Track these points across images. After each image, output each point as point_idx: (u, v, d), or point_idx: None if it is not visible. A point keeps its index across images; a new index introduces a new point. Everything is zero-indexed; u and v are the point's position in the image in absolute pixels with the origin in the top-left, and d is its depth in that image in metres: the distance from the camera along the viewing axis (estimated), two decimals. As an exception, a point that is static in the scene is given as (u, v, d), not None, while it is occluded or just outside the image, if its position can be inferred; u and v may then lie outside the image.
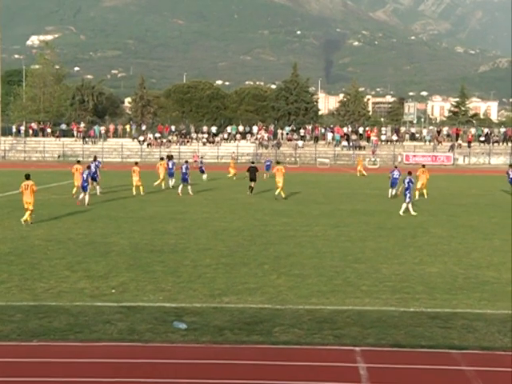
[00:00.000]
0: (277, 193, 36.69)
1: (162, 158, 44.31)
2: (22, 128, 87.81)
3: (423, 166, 41.08)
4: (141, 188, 38.31)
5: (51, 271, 16.62)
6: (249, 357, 10.35)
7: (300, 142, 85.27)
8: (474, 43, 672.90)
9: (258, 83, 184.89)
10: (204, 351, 10.61)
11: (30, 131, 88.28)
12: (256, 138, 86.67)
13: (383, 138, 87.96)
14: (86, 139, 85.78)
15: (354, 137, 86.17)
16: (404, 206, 29.49)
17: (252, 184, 39.14)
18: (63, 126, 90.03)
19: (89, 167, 34.95)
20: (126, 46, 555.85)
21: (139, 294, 14.24)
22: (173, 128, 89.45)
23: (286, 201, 35.16)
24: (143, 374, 9.60)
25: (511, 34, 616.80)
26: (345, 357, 10.43)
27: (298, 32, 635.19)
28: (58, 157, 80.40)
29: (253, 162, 44.00)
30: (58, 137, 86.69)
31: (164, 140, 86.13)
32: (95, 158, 41.83)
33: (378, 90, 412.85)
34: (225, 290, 14.75)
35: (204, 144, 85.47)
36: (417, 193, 36.81)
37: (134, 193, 38.05)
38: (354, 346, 10.89)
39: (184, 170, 38.89)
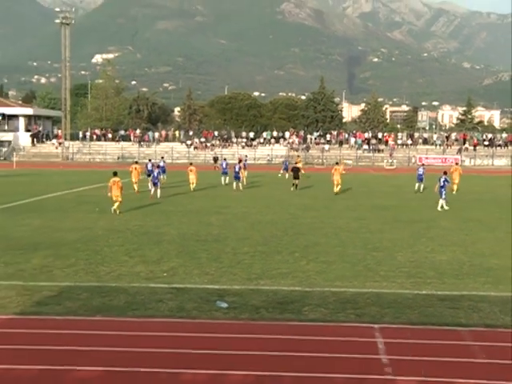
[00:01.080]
0: (337, 190, 36.58)
1: (136, 162, 40.01)
2: (88, 134, 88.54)
3: (456, 163, 40.95)
4: (193, 185, 38.23)
5: (112, 257, 16.78)
6: (281, 332, 10.36)
7: (326, 146, 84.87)
8: (479, 59, 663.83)
9: (289, 94, 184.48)
10: (243, 327, 10.64)
11: (94, 136, 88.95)
12: (288, 143, 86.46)
13: (399, 142, 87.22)
14: (141, 143, 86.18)
15: (373, 141, 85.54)
16: (440, 202, 29.04)
17: (296, 182, 39.19)
18: (122, 132, 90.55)
19: (158, 166, 35.72)
20: (175, 63, 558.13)
21: (187, 277, 14.32)
22: (216, 133, 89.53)
23: (315, 197, 35.00)
24: (190, 345, 9.66)
25: (511, 52, 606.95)
26: (365, 333, 10.40)
27: (325, 50, 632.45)
28: (118, 158, 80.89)
29: (296, 163, 43.98)
30: (117, 141, 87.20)
31: (208, 144, 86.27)
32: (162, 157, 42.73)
33: (394, 100, 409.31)
34: (261, 274, 14.76)
35: (243, 147, 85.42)
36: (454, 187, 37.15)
37: (192, 189, 37.85)
38: (373, 324, 10.85)
39: (237, 169, 39.18)
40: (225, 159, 47.24)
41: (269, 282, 13.92)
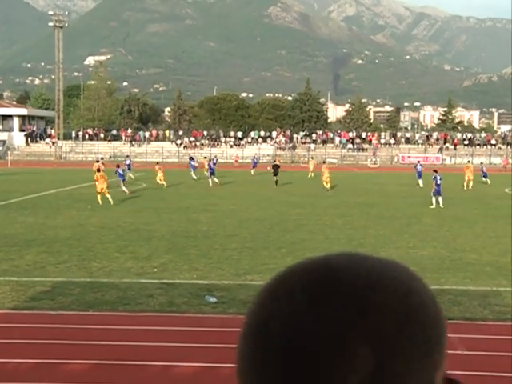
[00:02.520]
0: (328, 186, 37.31)
1: (97, 161, 39.51)
2: (80, 133, 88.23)
3: (468, 161, 41.59)
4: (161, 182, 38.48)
5: (103, 253, 16.72)
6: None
7: (312, 145, 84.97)
8: (459, 62, 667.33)
9: (276, 95, 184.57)
10: (231, 321, 10.63)
11: (87, 136, 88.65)
12: (275, 142, 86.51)
13: (382, 141, 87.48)
14: (133, 142, 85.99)
15: (357, 140, 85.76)
16: (435, 199, 29.04)
17: (276, 178, 39.87)
18: (114, 132, 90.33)
19: (118, 166, 36.28)
20: (166, 65, 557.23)
21: (176, 273, 14.29)
22: (205, 133, 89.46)
23: (301, 194, 35.01)
24: (180, 339, 9.64)
25: (489, 55, 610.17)
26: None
27: (311, 52, 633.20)
28: (110, 157, 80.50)
29: (275, 161, 44.36)
30: (109, 140, 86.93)
31: (198, 143, 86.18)
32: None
33: (378, 101, 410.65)
34: (248, 269, 14.76)
35: (231, 146, 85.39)
36: (465, 184, 39.45)
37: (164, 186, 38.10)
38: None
39: (212, 166, 40.70)
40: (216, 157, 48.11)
41: (256, 277, 13.91)
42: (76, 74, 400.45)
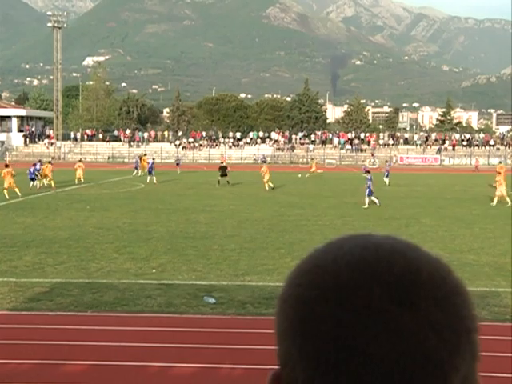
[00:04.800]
0: (272, 185, 37.97)
1: (49, 162, 40.55)
2: (79, 134, 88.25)
3: (500, 162, 41.15)
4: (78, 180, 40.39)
5: (102, 254, 16.71)
6: (267, 327, 10.35)
7: (311, 146, 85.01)
8: (458, 63, 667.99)
9: (275, 96, 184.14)
10: (230, 322, 10.63)
11: (85, 137, 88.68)
12: (274, 142, 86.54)
13: (381, 142, 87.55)
14: (131, 143, 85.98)
15: (356, 141, 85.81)
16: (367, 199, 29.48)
17: (224, 178, 40.53)
18: (115, 133, 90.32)
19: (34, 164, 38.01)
20: (164, 66, 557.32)
21: (175, 274, 14.28)
22: (204, 134, 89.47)
23: (301, 195, 35.02)
24: (179, 340, 9.63)
25: (488, 56, 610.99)
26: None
27: (309, 53, 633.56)
28: (108, 158, 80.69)
29: (222, 162, 44.53)
30: (107, 141, 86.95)
31: (196, 144, 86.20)
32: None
33: (376, 101, 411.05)
34: (247, 270, 14.75)
35: (230, 147, 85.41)
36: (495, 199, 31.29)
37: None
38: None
39: (150, 165, 43.49)
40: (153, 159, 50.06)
41: (255, 277, 13.91)
42: (75, 74, 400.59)
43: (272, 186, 38.00)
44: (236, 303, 11.73)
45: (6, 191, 30.69)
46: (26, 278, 13.60)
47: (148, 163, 45.59)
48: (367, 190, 29.65)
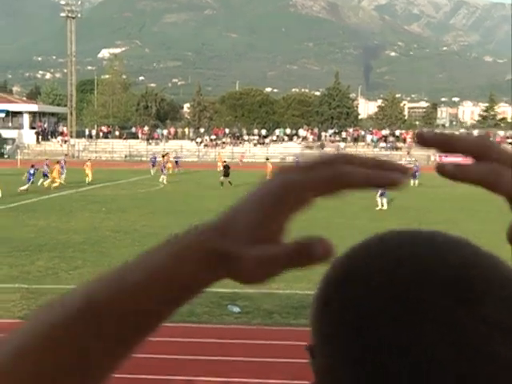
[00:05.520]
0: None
1: (57, 162, 42.31)
2: (94, 131, 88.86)
3: None
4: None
5: (119, 259, 16.72)
6: (296, 338, 10.31)
7: (342, 144, 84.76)
8: (502, 53, 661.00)
9: (303, 90, 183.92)
10: (255, 332, 10.61)
11: (101, 134, 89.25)
12: (302, 140, 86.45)
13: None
14: (150, 141, 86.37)
15: (390, 139, 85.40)
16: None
17: (223, 179, 40.80)
18: (132, 130, 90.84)
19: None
20: (185, 58, 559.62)
21: (197, 280, 14.27)
22: (227, 131, 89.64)
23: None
24: (201, 352, 9.64)
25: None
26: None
27: (340, 44, 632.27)
28: (125, 157, 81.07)
29: (224, 161, 44.57)
30: (124, 139, 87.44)
31: (219, 142, 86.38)
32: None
33: (412, 96, 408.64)
34: (274, 277, 14.69)
35: (255, 145, 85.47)
36: None
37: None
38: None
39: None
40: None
41: (282, 285, 13.86)
42: (89, 67, 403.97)
43: None
44: (262, 312, 11.71)
45: None
46: (38, 284, 13.73)
47: (174, 162, 46.18)
48: (380, 190, 29.62)
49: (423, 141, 0.67)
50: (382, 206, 29.85)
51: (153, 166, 51.71)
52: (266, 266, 0.63)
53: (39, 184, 38.07)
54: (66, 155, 50.29)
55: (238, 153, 78.88)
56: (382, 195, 29.83)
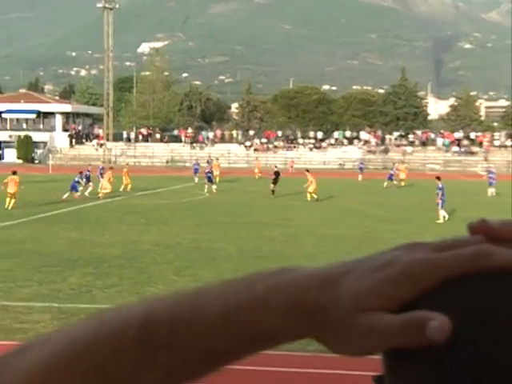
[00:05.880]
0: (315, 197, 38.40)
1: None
2: (132, 134, 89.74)
3: None
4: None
5: (159, 275, 16.92)
6: (361, 368, 10.20)
7: (409, 148, 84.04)
8: None
9: (365, 88, 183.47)
10: (312, 360, 10.52)
11: (140, 137, 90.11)
12: (363, 144, 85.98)
13: (496, 143, 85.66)
14: (194, 144, 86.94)
15: (465, 142, 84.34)
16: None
17: (273, 187, 40.75)
18: (174, 132, 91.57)
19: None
20: (233, 52, 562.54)
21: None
22: (279, 133, 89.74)
23: (394, 207, 34.64)
24: (251, 381, 9.60)
25: None
26: None
27: (407, 35, 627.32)
28: (166, 162, 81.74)
29: (276, 166, 44.50)
30: (166, 142, 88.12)
31: (270, 145, 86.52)
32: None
33: (490, 93, 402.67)
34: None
35: (310, 149, 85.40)
36: None
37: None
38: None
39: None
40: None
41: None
42: (128, 63, 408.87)
43: (315, 197, 38.21)
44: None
45: (8, 200, 31.75)
46: (70, 303, 13.90)
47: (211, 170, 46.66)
48: (440, 202, 29.79)
49: (488, 232, 0.64)
50: (444, 218, 29.57)
51: (196, 172, 52.05)
52: (373, 337, 0.60)
53: (81, 193, 38.43)
54: (103, 162, 51.05)
55: (291, 158, 78.90)
56: (442, 207, 29.85)
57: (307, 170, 41.53)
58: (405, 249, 0.64)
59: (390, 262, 0.63)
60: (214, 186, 43.41)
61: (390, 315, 0.60)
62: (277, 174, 42.01)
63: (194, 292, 0.64)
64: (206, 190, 43.06)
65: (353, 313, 0.60)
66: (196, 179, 50.92)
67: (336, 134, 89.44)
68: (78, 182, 38.81)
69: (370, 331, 0.60)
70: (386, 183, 50.03)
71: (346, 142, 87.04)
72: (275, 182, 41.27)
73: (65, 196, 36.56)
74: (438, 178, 31.53)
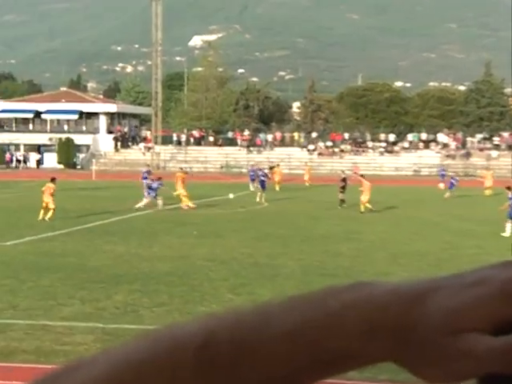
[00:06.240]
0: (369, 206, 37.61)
1: (185, 172, 43.76)
2: (183, 136, 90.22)
3: None
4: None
5: (213, 294, 16.96)
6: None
7: (494, 152, 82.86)
8: None
9: (443, 84, 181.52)
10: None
11: (192, 140, 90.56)
12: (442, 147, 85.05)
13: None
14: (251, 148, 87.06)
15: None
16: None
17: (341, 196, 40.52)
18: (229, 134, 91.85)
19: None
20: (295, 45, 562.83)
21: (310, 323, 14.23)
22: (346, 136, 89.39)
23: (479, 220, 34.19)
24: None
25: None
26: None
27: (493, 24, 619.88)
28: (221, 167, 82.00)
29: (343, 171, 44.54)
30: (220, 145, 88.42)
31: (336, 149, 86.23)
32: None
33: None
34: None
35: (381, 154, 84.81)
36: None
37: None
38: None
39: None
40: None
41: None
42: (178, 58, 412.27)
43: (369, 206, 37.59)
44: (391, 365, 11.50)
45: (42, 211, 31.62)
46: (116, 324, 14.04)
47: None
48: (509, 211, 29.41)
49: None
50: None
51: (252, 179, 52.10)
52: (469, 361, 0.59)
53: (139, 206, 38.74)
54: (147, 165, 51.25)
55: (360, 164, 78.52)
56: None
57: (362, 176, 41.07)
58: (500, 267, 0.63)
59: (485, 280, 0.61)
60: (263, 194, 43.34)
61: (489, 337, 0.58)
62: (344, 180, 41.74)
63: (257, 310, 0.64)
64: (259, 199, 42.98)
65: (444, 333, 0.59)
66: (252, 187, 51.04)
67: (410, 137, 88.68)
68: (156, 189, 38.91)
69: (465, 355, 0.58)
70: (447, 193, 48.82)
71: (421, 145, 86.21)
72: (343, 189, 40.99)
73: (143, 203, 37.34)
74: (509, 188, 31.18)
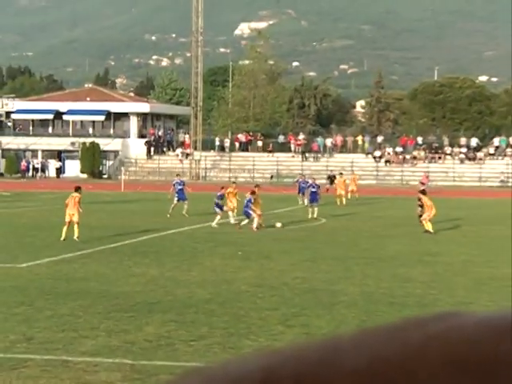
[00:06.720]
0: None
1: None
2: (227, 141, 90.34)
3: None
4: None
5: (261, 325, 16.94)
6: None
7: None
8: None
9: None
10: None
11: (237, 145, 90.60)
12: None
13: None
14: (306, 154, 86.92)
15: None
16: None
17: (420, 210, 39.33)
18: (281, 138, 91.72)
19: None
20: (359, 34, 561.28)
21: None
22: (419, 140, 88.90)
23: None
24: None
25: None
26: None
27: None
28: (271, 177, 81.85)
29: (422, 183, 44.13)
30: (270, 151, 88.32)
31: (407, 156, 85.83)
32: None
33: None
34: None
35: (462, 161, 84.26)
36: None
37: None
38: None
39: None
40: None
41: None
42: (222, 50, 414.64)
43: (431, 230, 36.31)
44: None
45: (65, 228, 30.92)
46: (147, 360, 14.07)
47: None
48: None
49: None
50: None
51: (301, 192, 51.87)
52: None
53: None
54: (177, 175, 51.40)
55: (437, 173, 78.02)
56: None
57: (423, 192, 39.80)
58: None
59: None
60: (315, 209, 42.88)
61: None
62: (423, 192, 40.99)
63: (323, 344, 0.65)
64: (311, 215, 42.73)
65: None
66: (300, 200, 51.04)
67: (496, 141, 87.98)
68: (222, 197, 39.57)
69: None
70: None
71: (509, 151, 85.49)
72: (423, 204, 39.97)
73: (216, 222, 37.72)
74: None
